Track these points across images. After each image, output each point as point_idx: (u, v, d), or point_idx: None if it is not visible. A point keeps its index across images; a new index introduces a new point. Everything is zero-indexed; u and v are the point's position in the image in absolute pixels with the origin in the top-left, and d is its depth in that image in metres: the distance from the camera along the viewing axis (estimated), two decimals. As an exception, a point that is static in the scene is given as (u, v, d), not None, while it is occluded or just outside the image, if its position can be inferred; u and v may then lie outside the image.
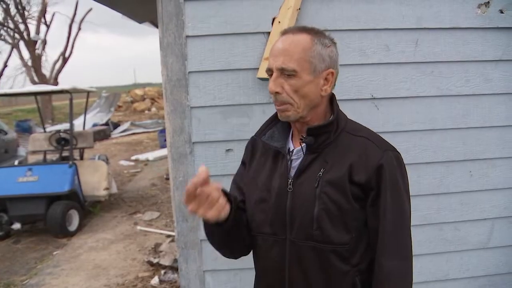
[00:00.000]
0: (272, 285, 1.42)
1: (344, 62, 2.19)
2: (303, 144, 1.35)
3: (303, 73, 1.27)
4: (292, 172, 1.36)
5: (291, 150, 1.39)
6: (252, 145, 1.54)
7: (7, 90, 7.41)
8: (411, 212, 2.27)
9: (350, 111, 2.17)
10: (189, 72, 2.20)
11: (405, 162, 2.22)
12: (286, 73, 1.27)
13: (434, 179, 2.34)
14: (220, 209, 1.22)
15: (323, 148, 1.33)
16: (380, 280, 1.29)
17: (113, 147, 13.71)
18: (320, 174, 1.30)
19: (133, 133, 17.19)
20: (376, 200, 1.29)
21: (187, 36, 2.17)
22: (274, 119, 1.44)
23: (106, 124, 17.47)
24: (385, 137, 2.17)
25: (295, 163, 1.37)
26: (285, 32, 1.32)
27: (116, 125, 18.20)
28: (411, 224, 2.28)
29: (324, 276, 1.32)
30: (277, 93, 1.29)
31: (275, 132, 1.43)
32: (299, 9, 2.12)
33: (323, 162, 1.32)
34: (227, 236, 1.39)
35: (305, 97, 1.29)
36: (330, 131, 1.32)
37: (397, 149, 1.39)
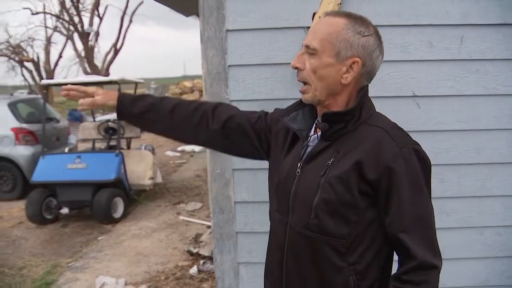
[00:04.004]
0: (275, 262, 1.43)
1: (385, 58, 2.09)
2: (319, 132, 1.34)
3: (324, 54, 1.25)
4: (305, 156, 1.35)
5: (310, 135, 1.38)
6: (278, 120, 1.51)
7: (59, 80, 7.73)
8: (451, 214, 2.23)
9: (390, 109, 2.13)
10: (229, 66, 2.22)
11: (445, 162, 2.21)
12: (309, 51, 1.27)
13: (476, 181, 2.26)
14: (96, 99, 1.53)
15: (337, 137, 1.29)
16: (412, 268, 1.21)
17: (160, 138, 13.78)
18: (329, 163, 1.27)
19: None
20: (390, 199, 1.22)
21: (228, 30, 2.20)
22: (301, 102, 1.42)
23: (155, 115, 17.84)
24: (426, 136, 2.17)
25: (310, 149, 1.35)
26: (325, 14, 1.32)
27: (164, 116, 18.56)
28: (449, 226, 2.24)
29: (316, 268, 1.30)
30: (297, 68, 1.30)
31: (299, 115, 1.43)
32: (340, 3, 2.10)
33: (334, 151, 1.28)
34: (143, 120, 1.59)
35: (322, 80, 1.27)
36: (347, 120, 1.28)
37: (419, 143, 1.29)
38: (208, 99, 2.26)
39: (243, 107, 2.23)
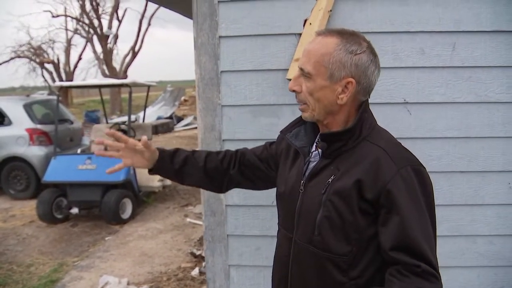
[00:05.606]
0: (280, 277, 1.46)
1: (377, 65, 2.15)
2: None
3: (318, 77, 1.27)
4: (307, 174, 1.38)
5: (311, 151, 1.40)
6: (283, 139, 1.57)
7: (72, 83, 7.91)
8: (442, 222, 2.21)
9: (381, 115, 2.13)
10: (221, 72, 2.25)
11: (437, 170, 2.20)
12: (304, 74, 1.30)
13: (468, 189, 2.24)
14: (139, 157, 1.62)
15: (338, 154, 1.31)
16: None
17: (174, 140, 14.14)
18: (329, 181, 1.29)
19: (196, 127, 17.58)
20: (388, 220, 1.21)
21: (220, 37, 2.22)
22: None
23: (170, 117, 18.00)
24: (417, 143, 2.17)
25: (312, 165, 1.38)
26: (317, 34, 1.32)
27: (180, 119, 18.69)
28: (441, 234, 2.21)
29: (319, 283, 1.32)
30: (295, 91, 1.34)
31: (301, 131, 1.46)
32: (331, 10, 2.11)
33: (335, 169, 1.30)
34: (181, 173, 1.65)
35: (319, 101, 1.30)
36: (346, 138, 1.29)
37: (421, 163, 1.28)
38: (201, 104, 2.29)
39: (235, 112, 2.28)
